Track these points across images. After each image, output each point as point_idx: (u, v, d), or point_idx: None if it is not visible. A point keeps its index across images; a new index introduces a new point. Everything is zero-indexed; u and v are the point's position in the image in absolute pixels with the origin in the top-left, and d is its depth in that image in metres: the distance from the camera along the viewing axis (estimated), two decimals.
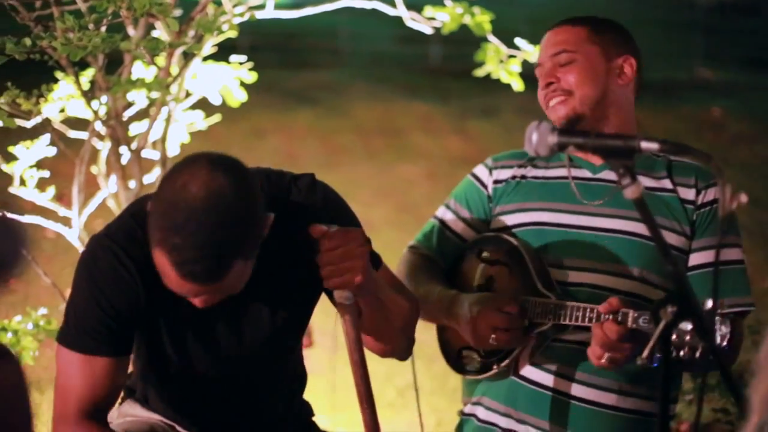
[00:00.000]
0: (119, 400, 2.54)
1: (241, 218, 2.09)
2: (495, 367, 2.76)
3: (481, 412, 2.84)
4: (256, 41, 13.68)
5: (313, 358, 6.20)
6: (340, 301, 2.34)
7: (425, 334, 2.90)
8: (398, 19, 4.10)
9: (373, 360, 2.45)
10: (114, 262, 2.28)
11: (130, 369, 2.50)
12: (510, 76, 4.13)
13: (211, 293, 2.16)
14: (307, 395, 2.72)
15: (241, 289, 2.20)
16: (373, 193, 9.39)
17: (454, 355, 2.89)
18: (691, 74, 16.62)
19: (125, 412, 2.52)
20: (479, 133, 11.90)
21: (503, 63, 4.13)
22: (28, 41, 2.93)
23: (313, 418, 2.71)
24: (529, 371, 2.75)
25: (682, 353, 2.36)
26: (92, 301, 2.28)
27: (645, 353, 1.95)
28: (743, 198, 1.86)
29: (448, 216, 2.95)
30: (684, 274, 2.65)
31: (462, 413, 2.93)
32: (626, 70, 2.77)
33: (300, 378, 2.66)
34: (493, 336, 2.67)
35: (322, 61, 15.95)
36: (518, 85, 4.15)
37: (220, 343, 2.41)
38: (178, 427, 2.52)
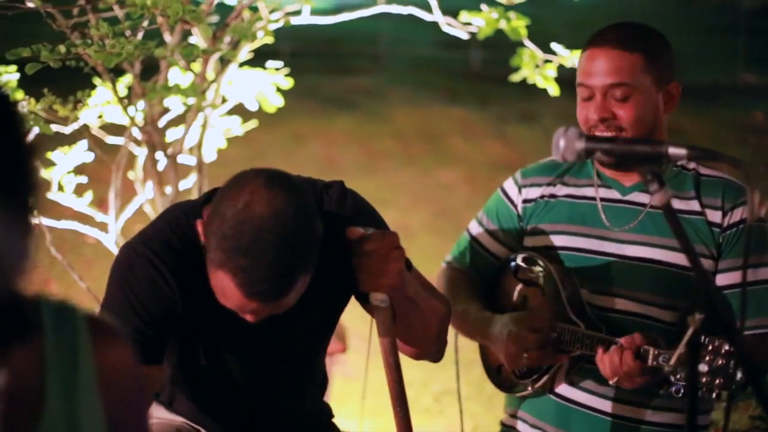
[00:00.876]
0: None
1: (305, 235, 2.10)
2: (530, 388, 2.77)
3: (521, 426, 2.86)
4: (297, 47, 13.71)
5: (349, 362, 6.21)
6: (376, 303, 2.34)
7: (463, 339, 2.91)
8: (438, 24, 4.10)
9: (410, 366, 2.45)
10: (150, 270, 2.26)
11: None
12: (546, 81, 4.11)
13: (271, 310, 2.16)
14: (343, 399, 2.71)
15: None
16: (412, 198, 9.38)
17: (494, 372, 2.91)
18: (733, 78, 16.45)
19: (149, 414, 2.51)
20: (519, 139, 11.86)
21: (539, 68, 4.11)
22: (62, 48, 2.96)
23: (333, 420, 2.71)
24: (564, 389, 2.76)
25: (700, 393, 2.37)
26: (128, 308, 2.26)
27: (672, 360, 1.94)
28: None
29: (480, 232, 2.94)
30: (712, 283, 2.62)
31: (503, 424, 2.94)
32: (673, 96, 2.71)
33: (323, 381, 2.66)
34: (525, 356, 2.67)
35: (361, 66, 15.94)
36: (554, 90, 4.12)
37: (253, 352, 2.41)
38: (203, 431, 2.52)
